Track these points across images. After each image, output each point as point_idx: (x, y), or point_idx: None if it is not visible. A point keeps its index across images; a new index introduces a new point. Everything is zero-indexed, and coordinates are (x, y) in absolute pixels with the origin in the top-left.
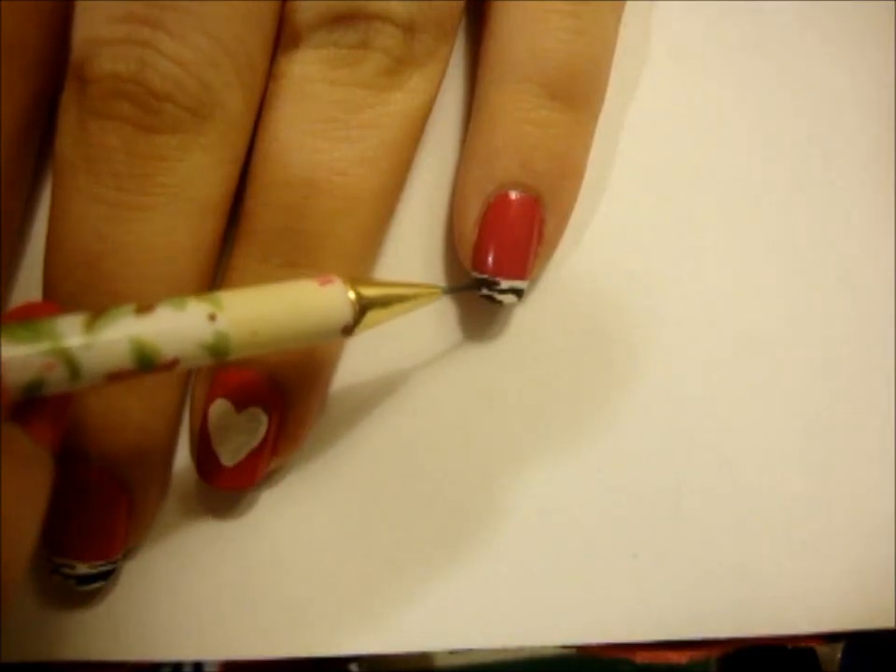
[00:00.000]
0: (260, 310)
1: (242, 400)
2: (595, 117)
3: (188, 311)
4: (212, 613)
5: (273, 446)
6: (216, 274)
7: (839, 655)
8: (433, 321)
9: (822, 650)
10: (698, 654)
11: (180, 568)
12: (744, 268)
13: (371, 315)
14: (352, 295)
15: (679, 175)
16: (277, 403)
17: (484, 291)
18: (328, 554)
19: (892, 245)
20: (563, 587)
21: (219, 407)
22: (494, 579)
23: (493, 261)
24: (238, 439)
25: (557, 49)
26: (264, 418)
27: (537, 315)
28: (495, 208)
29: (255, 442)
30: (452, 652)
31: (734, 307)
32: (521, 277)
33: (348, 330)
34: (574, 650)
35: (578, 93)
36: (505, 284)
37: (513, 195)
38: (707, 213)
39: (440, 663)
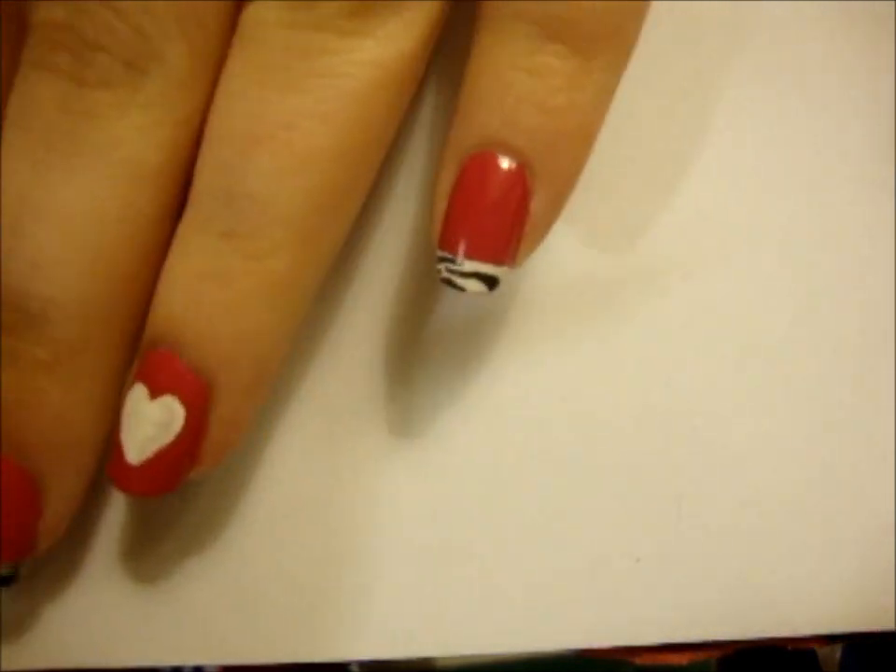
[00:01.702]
0: None
1: (158, 386)
2: (614, 69)
3: None
4: (211, 617)
5: (190, 449)
6: (161, 246)
7: (839, 656)
8: (428, 322)
9: (822, 651)
10: (698, 656)
11: (179, 572)
12: (746, 274)
13: None
14: None
15: (680, 175)
16: (198, 395)
17: (443, 272)
18: (327, 558)
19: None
20: (564, 591)
21: (135, 391)
22: (495, 583)
23: (460, 236)
24: (146, 431)
25: None
26: (180, 411)
27: (536, 317)
28: (468, 172)
29: (166, 439)
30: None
31: (737, 311)
32: (495, 261)
33: None
34: (574, 651)
35: (588, 36)
36: (467, 266)
37: (493, 157)
38: (711, 213)
39: (440, 663)
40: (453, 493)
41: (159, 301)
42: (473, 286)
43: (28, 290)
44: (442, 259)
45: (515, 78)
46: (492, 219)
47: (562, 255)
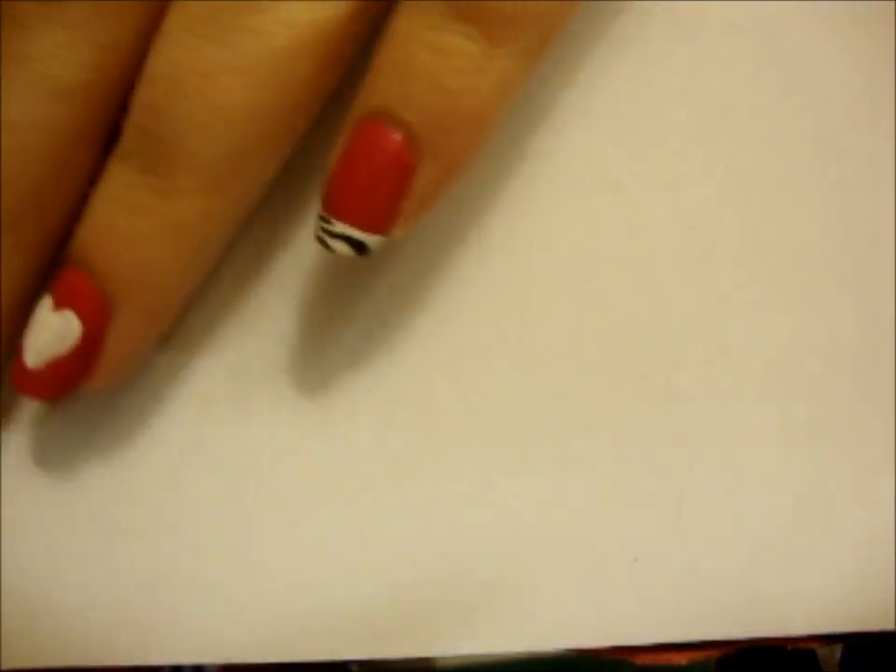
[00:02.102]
0: None
1: (61, 300)
2: (523, 58)
3: None
4: (211, 616)
5: (83, 362)
6: (87, 175)
7: (839, 656)
8: (429, 319)
9: (822, 651)
10: (698, 656)
11: (178, 571)
12: (746, 273)
13: None
14: None
15: (680, 176)
16: (96, 314)
17: (318, 230)
18: (327, 558)
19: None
20: (563, 591)
21: (43, 301)
22: (493, 582)
23: (335, 198)
24: (44, 338)
25: None
26: (76, 325)
27: (536, 316)
28: (356, 138)
29: (62, 349)
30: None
31: (737, 311)
32: (366, 227)
33: None
34: (574, 651)
35: (499, 20)
36: (339, 227)
37: (381, 127)
38: (712, 214)
39: (439, 662)
40: (452, 494)
41: (80, 222)
42: (342, 248)
43: None
44: (320, 218)
45: (418, 53)
46: (369, 187)
47: (561, 256)
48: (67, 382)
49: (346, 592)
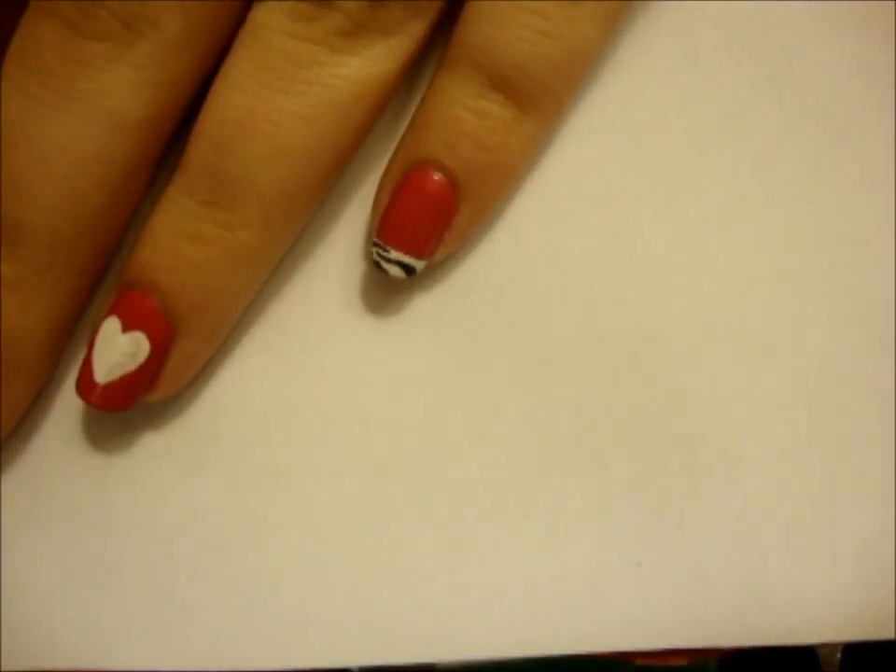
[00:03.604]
0: None
1: (130, 322)
2: (544, 123)
3: None
4: (213, 622)
5: (150, 378)
6: (137, 200)
7: (839, 656)
8: (433, 328)
9: (822, 651)
10: (698, 656)
11: (180, 577)
12: (747, 276)
13: None
14: None
15: (679, 181)
16: (164, 335)
17: (375, 255)
18: (329, 563)
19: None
20: (565, 595)
21: (109, 323)
22: (496, 587)
23: (391, 230)
24: (115, 359)
25: (512, 45)
26: (146, 345)
27: (539, 322)
28: (409, 179)
29: (131, 367)
30: None
31: (738, 315)
32: (415, 254)
33: None
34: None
35: (526, 93)
36: (394, 254)
37: (430, 173)
38: (711, 219)
39: (440, 664)
40: (451, 498)
41: (140, 248)
42: (395, 271)
43: (5, 211)
44: (376, 245)
45: (461, 114)
46: (420, 221)
47: (561, 262)
48: (133, 395)
49: (349, 597)
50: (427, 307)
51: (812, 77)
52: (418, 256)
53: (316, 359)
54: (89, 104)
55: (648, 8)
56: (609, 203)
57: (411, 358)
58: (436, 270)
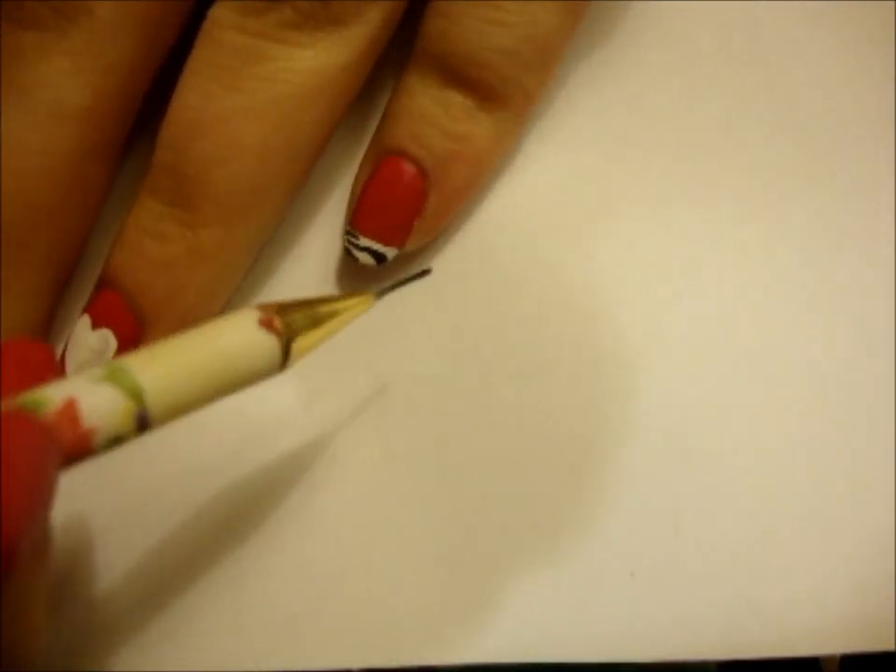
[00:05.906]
0: (178, 387)
1: (99, 319)
2: (513, 113)
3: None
4: (213, 625)
5: None
6: (100, 193)
7: (839, 656)
8: (426, 331)
9: None
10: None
11: (181, 580)
12: (743, 288)
13: (301, 341)
14: (266, 334)
15: (673, 188)
16: (130, 332)
17: (345, 243)
18: (328, 565)
19: (894, 258)
20: (559, 604)
21: (81, 321)
22: (491, 595)
23: (362, 218)
24: (84, 355)
25: (467, 37)
26: (113, 342)
27: (534, 331)
28: (379, 170)
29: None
30: None
31: (734, 326)
32: (384, 242)
33: (279, 368)
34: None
35: (486, 84)
36: (363, 241)
37: (398, 163)
38: (705, 226)
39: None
40: (448, 502)
41: (112, 248)
42: (364, 258)
43: None
44: (348, 233)
45: (426, 105)
46: (388, 210)
47: (559, 271)
48: None
49: (349, 599)
50: (416, 311)
51: (807, 83)
52: (387, 244)
53: (308, 360)
54: (27, 94)
55: (642, 14)
56: (603, 210)
57: (409, 359)
58: (431, 275)
